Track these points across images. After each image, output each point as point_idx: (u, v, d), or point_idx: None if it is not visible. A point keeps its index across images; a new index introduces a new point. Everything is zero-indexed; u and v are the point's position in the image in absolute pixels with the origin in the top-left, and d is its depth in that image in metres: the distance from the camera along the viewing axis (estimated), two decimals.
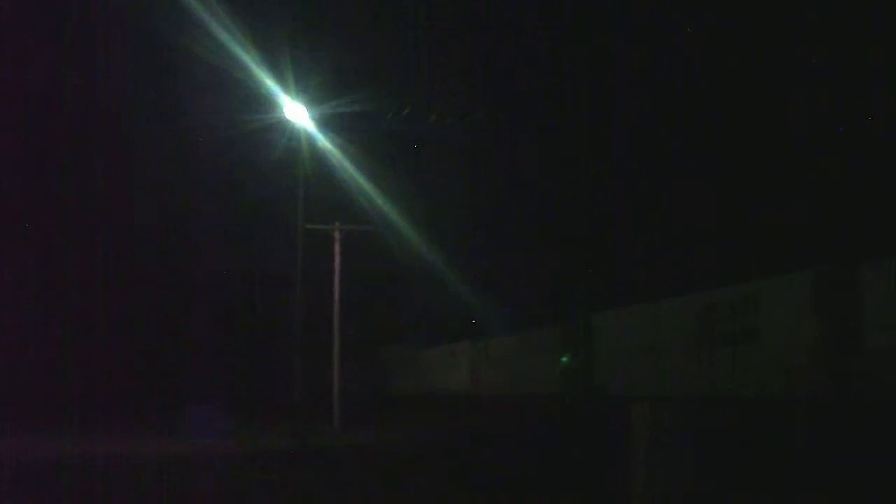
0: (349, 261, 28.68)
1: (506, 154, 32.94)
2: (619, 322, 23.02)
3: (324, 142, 26.52)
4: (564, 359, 27.40)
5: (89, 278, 33.34)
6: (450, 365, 36.58)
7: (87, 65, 31.39)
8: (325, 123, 26.38)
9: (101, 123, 32.97)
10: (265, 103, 26.05)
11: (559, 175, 30.45)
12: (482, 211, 35.22)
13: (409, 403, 38.08)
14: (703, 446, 14.71)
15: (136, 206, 34.48)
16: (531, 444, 20.62)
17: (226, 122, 27.57)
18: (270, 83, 25.76)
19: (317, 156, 26.58)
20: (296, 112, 26.02)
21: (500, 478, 14.93)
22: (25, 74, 31.01)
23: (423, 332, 42.04)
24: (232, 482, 15.31)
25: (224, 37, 25.34)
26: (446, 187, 34.63)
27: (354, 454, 20.13)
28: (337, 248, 27.92)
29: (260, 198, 32.26)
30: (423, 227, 31.32)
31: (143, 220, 34.64)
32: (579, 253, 28.85)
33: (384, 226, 28.71)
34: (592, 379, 23.68)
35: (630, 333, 21.96)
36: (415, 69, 31.54)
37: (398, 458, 18.95)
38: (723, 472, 13.55)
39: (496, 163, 33.31)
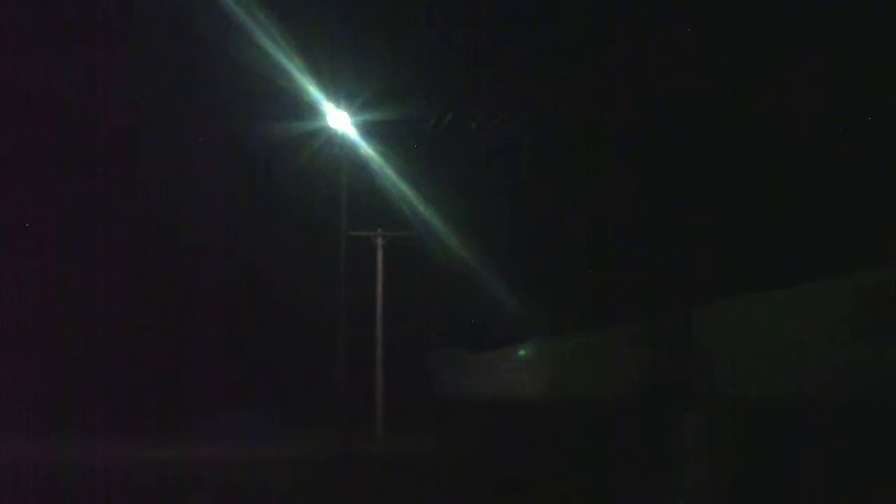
0: (394, 266, 28.79)
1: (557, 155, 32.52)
2: (730, 314, 19.58)
3: (366, 149, 26.61)
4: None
5: (138, 280, 33.94)
6: (509, 368, 35.47)
7: (128, 70, 31.86)
8: (367, 131, 26.51)
9: (141, 128, 33.49)
10: (308, 111, 26.25)
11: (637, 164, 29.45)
12: (537, 210, 34.59)
13: (462, 409, 37.33)
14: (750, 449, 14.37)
15: (183, 210, 34.94)
16: (580, 453, 20.09)
17: (269, 129, 27.81)
18: (314, 91, 25.94)
19: (359, 163, 26.70)
20: (339, 120, 26.18)
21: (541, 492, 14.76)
22: (65, 79, 31.57)
23: (472, 336, 41.41)
24: (267, 488, 15.41)
25: (268, 44, 25.57)
26: (494, 191, 34.33)
27: (393, 462, 20.11)
28: (380, 254, 28.03)
29: (303, 204, 32.42)
30: (468, 231, 31.19)
31: (185, 225, 35.06)
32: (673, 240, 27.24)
33: (427, 232, 28.69)
34: (693, 381, 21.63)
35: (747, 327, 18.73)
36: (457, 76, 31.49)
37: (435, 468, 18.86)
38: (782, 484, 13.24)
39: (546, 165, 32.92)
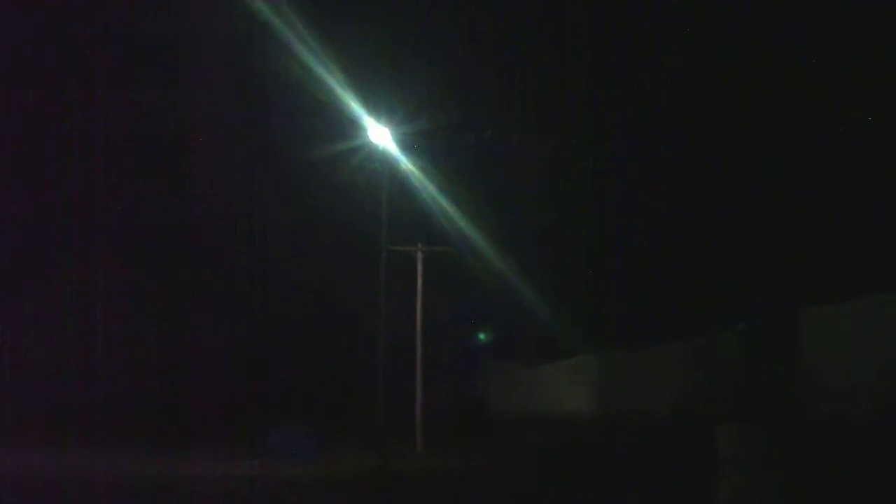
0: (441, 281, 28.79)
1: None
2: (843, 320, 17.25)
3: (406, 163, 26.59)
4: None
5: (176, 295, 34.30)
6: (568, 382, 33.38)
7: (172, 85, 32.28)
8: (408, 145, 26.50)
9: (185, 142, 33.89)
10: (349, 126, 26.30)
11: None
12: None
13: (513, 425, 35.69)
14: (793, 469, 13.92)
15: (223, 224, 35.27)
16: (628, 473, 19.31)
17: (310, 144, 27.95)
18: (355, 106, 25.98)
19: (399, 177, 26.68)
20: (380, 134, 26.18)
21: None
22: (118, 96, 32.07)
23: (526, 349, 40.36)
24: None
25: (309, 59, 25.71)
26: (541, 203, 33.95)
27: (430, 479, 19.93)
28: (420, 269, 27.98)
29: (342, 219, 32.51)
30: (511, 246, 30.96)
31: (224, 239, 35.36)
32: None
33: (467, 247, 28.61)
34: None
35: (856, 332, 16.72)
36: (496, 89, 31.41)
37: (473, 485, 18.60)
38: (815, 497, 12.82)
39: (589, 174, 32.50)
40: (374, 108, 26.01)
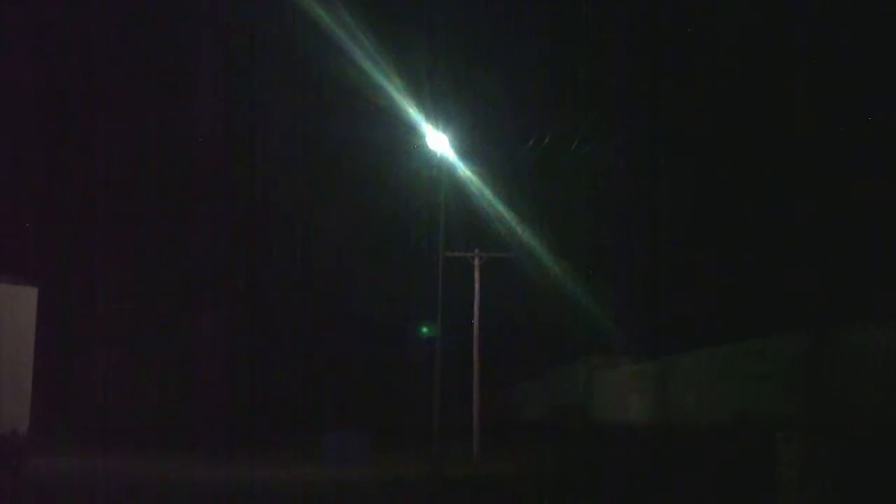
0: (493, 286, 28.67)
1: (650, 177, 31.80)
2: None
3: (464, 170, 26.59)
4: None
5: (237, 305, 34.88)
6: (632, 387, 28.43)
7: (233, 91, 32.87)
8: (466, 151, 26.51)
9: (246, 147, 34.47)
10: (408, 132, 26.41)
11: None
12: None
13: (615, 433, 28.89)
14: (859, 480, 13.51)
15: (281, 234, 35.77)
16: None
17: (367, 149, 28.15)
18: (413, 112, 26.07)
19: (457, 183, 26.69)
20: (438, 140, 26.23)
21: None
22: (186, 108, 32.82)
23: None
24: None
25: (368, 65, 25.90)
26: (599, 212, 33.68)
27: (480, 485, 19.88)
28: (477, 274, 27.96)
29: (399, 224, 32.67)
30: (569, 251, 30.75)
31: (285, 249, 35.80)
32: None
33: (524, 252, 28.47)
34: None
35: None
36: (555, 96, 31.28)
37: (525, 492, 18.49)
38: None
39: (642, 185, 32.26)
40: (433, 114, 26.08)
